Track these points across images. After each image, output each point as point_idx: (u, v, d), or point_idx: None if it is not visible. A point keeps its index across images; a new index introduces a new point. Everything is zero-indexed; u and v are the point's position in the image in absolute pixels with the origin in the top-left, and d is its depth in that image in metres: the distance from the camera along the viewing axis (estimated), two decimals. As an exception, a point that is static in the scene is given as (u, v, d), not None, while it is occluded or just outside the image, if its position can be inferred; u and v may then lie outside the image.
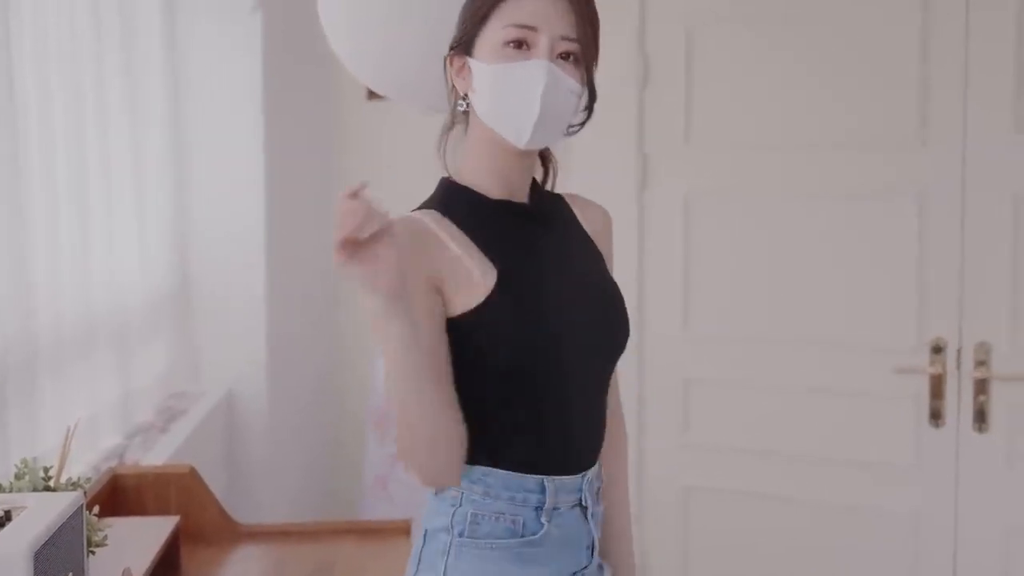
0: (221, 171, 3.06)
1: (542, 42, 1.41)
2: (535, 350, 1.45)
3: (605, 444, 1.59)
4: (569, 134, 1.54)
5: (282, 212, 3.17)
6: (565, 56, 1.43)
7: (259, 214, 3.05)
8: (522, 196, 1.53)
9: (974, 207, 2.74)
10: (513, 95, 1.42)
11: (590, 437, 1.54)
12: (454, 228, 1.46)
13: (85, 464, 2.33)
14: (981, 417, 2.75)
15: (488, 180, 1.50)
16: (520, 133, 1.43)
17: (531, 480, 1.45)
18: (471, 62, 1.46)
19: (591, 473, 1.53)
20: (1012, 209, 2.71)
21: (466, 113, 1.51)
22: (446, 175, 1.55)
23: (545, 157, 1.63)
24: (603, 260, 1.62)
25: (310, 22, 2.14)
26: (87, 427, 2.36)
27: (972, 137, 2.74)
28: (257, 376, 3.11)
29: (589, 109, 1.52)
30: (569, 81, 1.43)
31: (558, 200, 1.62)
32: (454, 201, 1.51)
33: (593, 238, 1.62)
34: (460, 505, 1.45)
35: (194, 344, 3.11)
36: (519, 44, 1.41)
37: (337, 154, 3.61)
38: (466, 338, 1.43)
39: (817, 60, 2.91)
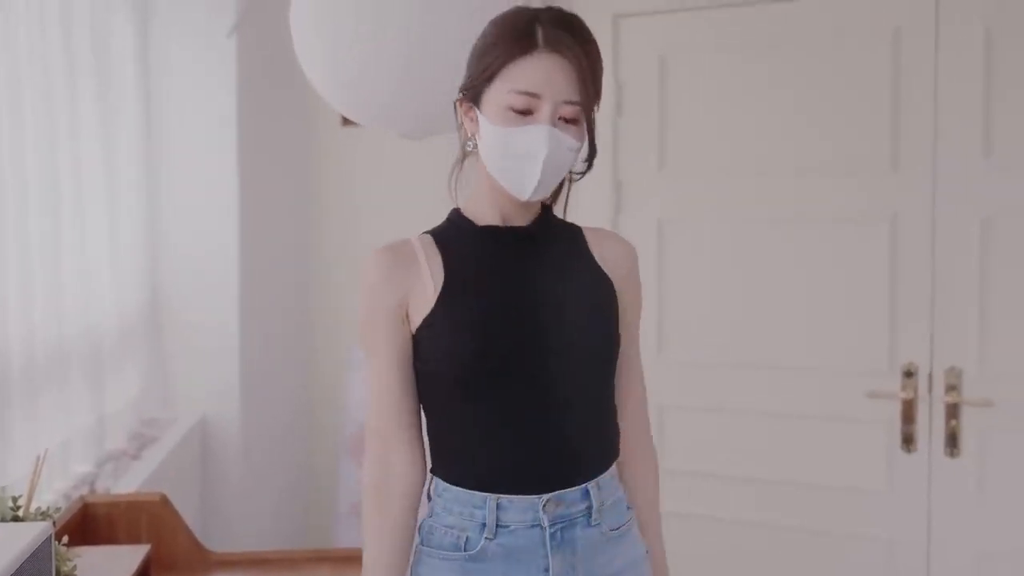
0: (194, 195, 3.06)
1: (544, 108, 1.46)
2: (467, 363, 1.50)
3: (626, 473, 1.68)
4: (571, 180, 1.62)
5: (256, 237, 3.16)
6: (566, 117, 1.48)
7: (232, 239, 3.05)
8: (520, 222, 1.58)
9: (944, 232, 2.77)
10: (516, 158, 1.48)
11: (551, 459, 1.53)
12: (433, 250, 1.56)
13: (55, 492, 2.31)
14: (952, 442, 2.77)
15: (484, 210, 1.58)
16: (523, 190, 1.50)
17: (478, 497, 1.51)
18: (478, 114, 1.52)
19: (559, 496, 1.52)
20: (981, 234, 2.74)
21: (476, 149, 1.57)
22: (456, 206, 1.63)
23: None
24: (603, 289, 1.62)
25: (285, 48, 2.15)
26: (58, 454, 2.34)
27: (942, 163, 2.77)
28: (230, 402, 3.09)
29: (589, 163, 1.59)
30: (569, 140, 1.48)
31: (568, 229, 1.66)
32: (447, 227, 1.61)
33: (609, 272, 1.63)
34: (428, 515, 1.57)
35: (167, 370, 3.09)
36: (523, 110, 1.46)
37: (311, 179, 3.61)
38: (418, 351, 1.55)
39: (789, 88, 2.94)
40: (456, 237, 1.59)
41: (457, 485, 1.53)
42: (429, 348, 1.53)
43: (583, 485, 1.55)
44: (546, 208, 1.64)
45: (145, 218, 2.96)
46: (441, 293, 1.53)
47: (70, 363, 2.44)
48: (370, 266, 1.55)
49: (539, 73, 1.46)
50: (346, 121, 3.36)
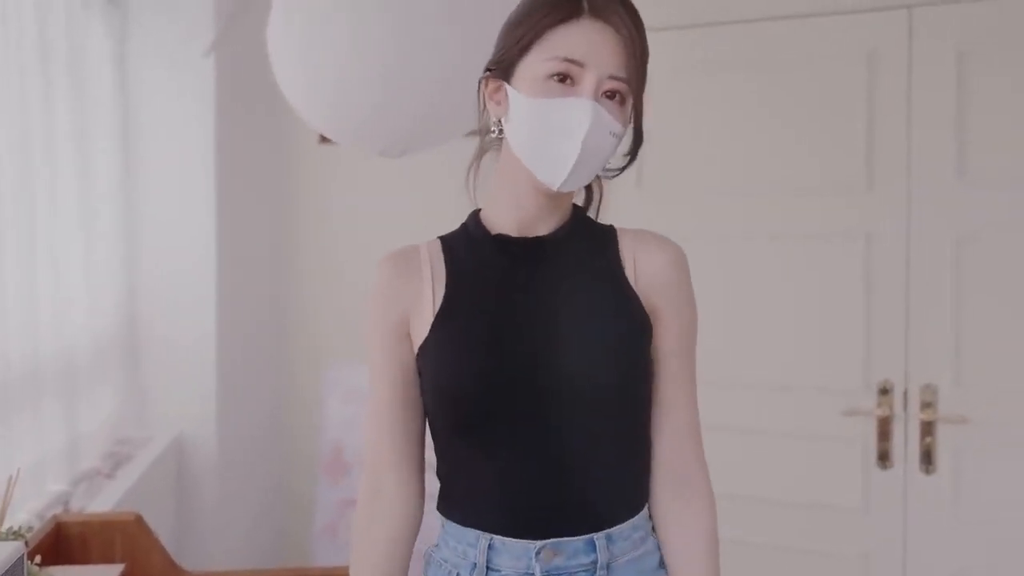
0: (171, 213, 3.05)
1: (588, 79, 1.30)
2: (452, 400, 1.38)
3: (661, 530, 1.46)
4: (606, 177, 1.46)
5: (233, 255, 3.16)
6: (611, 95, 1.32)
7: (209, 257, 3.04)
8: (542, 229, 1.42)
9: (918, 250, 2.80)
10: (552, 134, 1.31)
11: (547, 503, 1.37)
12: (440, 261, 1.44)
13: (29, 512, 2.29)
14: (928, 459, 2.79)
15: (503, 213, 1.42)
16: (555, 175, 1.33)
17: (471, 534, 1.39)
18: (509, 89, 1.36)
19: (557, 545, 1.36)
20: (955, 252, 2.76)
21: (499, 139, 1.41)
22: (477, 207, 1.48)
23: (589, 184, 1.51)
24: (626, 313, 1.41)
25: (262, 67, 2.15)
26: (32, 473, 2.32)
27: (916, 182, 2.79)
28: (206, 421, 3.08)
29: (633, 154, 1.42)
30: (612, 123, 1.32)
31: (599, 236, 1.47)
32: (460, 233, 1.47)
33: (642, 279, 1.43)
34: (435, 544, 1.47)
35: (142, 388, 3.07)
36: (563, 78, 1.31)
37: (288, 197, 3.60)
38: (420, 374, 1.43)
39: (765, 108, 2.96)
40: (466, 246, 1.44)
41: (450, 519, 1.42)
42: (423, 376, 1.42)
43: (588, 535, 1.37)
44: (577, 211, 1.48)
45: (121, 236, 2.95)
46: (437, 315, 1.40)
47: (45, 382, 2.42)
48: (375, 276, 1.44)
49: (584, 41, 1.30)
50: (323, 139, 3.36)
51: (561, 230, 1.43)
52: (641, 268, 1.44)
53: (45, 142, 2.43)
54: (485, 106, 1.42)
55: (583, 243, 1.44)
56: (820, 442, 2.91)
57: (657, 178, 3.08)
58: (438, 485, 1.45)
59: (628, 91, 1.33)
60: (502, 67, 1.37)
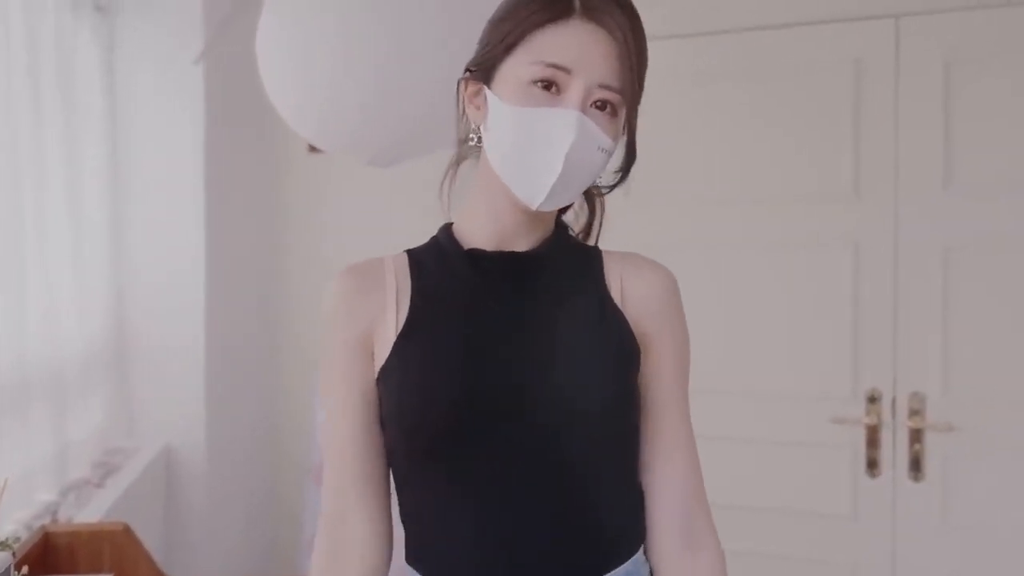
0: (160, 222, 3.04)
1: (575, 88, 1.17)
2: (410, 432, 1.23)
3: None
4: (595, 203, 1.37)
5: (221, 264, 3.15)
6: (600, 105, 1.19)
7: (198, 266, 3.03)
8: (521, 245, 1.29)
9: (906, 259, 2.81)
10: (533, 147, 1.18)
11: (509, 554, 1.22)
12: (406, 275, 1.30)
13: (16, 522, 2.28)
14: (916, 466, 2.80)
15: (479, 226, 1.29)
16: (534, 192, 1.20)
17: None
18: (488, 94, 1.23)
19: None
20: (942, 260, 2.77)
21: (478, 147, 1.29)
22: (449, 220, 1.35)
23: (591, 197, 1.40)
24: (612, 337, 1.28)
25: (251, 74, 2.15)
26: (20, 482, 2.31)
27: (903, 192, 2.81)
28: (195, 430, 3.07)
29: (624, 171, 1.30)
30: (601, 137, 1.19)
31: (582, 256, 1.35)
32: (430, 246, 1.34)
33: (630, 304, 1.30)
34: None
35: (131, 397, 3.06)
36: (548, 85, 1.18)
37: (277, 206, 3.60)
38: (381, 401, 1.28)
39: (753, 117, 2.97)
40: (436, 261, 1.30)
41: (413, 568, 1.29)
42: (383, 403, 1.27)
43: None
44: (560, 228, 1.34)
45: (110, 245, 2.94)
46: (400, 333, 1.25)
47: (33, 391, 2.41)
48: (330, 290, 1.30)
49: (573, 44, 1.17)
50: (312, 148, 3.36)
51: (541, 247, 1.30)
52: (629, 292, 1.31)
53: (33, 149, 2.42)
54: (464, 111, 1.30)
55: (565, 262, 1.32)
56: (809, 450, 2.92)
57: (645, 186, 3.07)
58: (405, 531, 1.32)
59: (620, 102, 1.20)
60: (483, 68, 1.25)
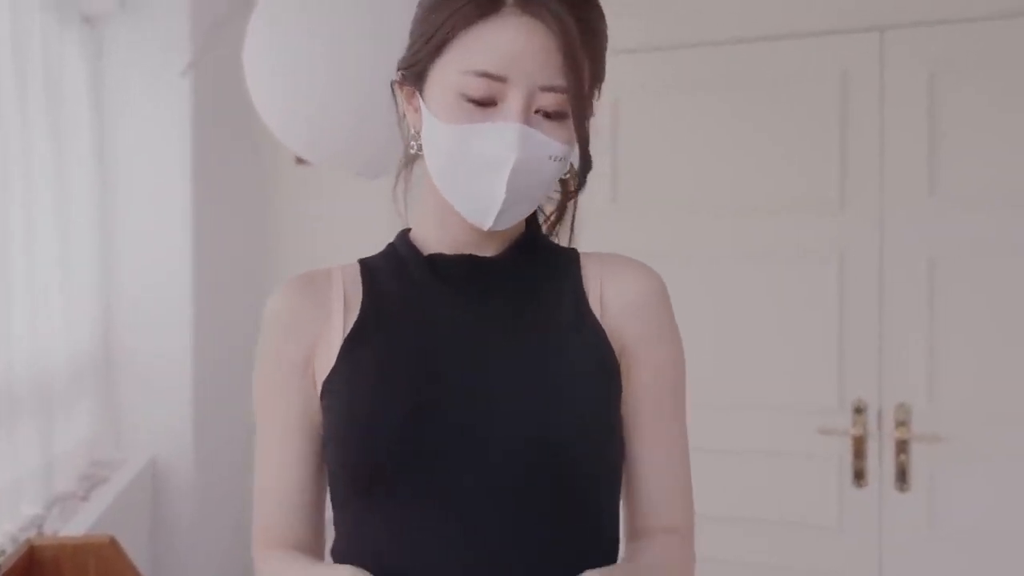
0: (148, 233, 3.04)
1: (513, 97, 1.02)
2: (353, 456, 1.08)
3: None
4: (576, 191, 1.18)
5: (209, 277, 3.14)
6: (548, 112, 1.04)
7: (186, 278, 3.03)
8: (485, 250, 1.15)
9: (891, 269, 2.82)
10: (471, 169, 1.04)
11: None
12: (357, 286, 1.16)
13: (2, 534, 2.27)
14: (902, 477, 2.80)
15: (435, 233, 1.16)
16: (482, 215, 1.07)
17: None
18: (421, 104, 1.10)
19: None
20: (927, 270, 2.79)
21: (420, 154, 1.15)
22: (407, 227, 1.22)
23: (564, 185, 1.19)
24: (588, 350, 1.12)
25: (239, 86, 2.15)
26: (6, 495, 2.31)
27: (888, 202, 2.82)
28: (183, 442, 3.06)
29: (581, 179, 1.13)
30: (551, 145, 1.04)
31: (558, 259, 1.19)
32: (387, 254, 1.20)
33: (611, 312, 1.14)
34: None
35: (118, 409, 3.05)
36: (481, 101, 1.03)
37: (265, 218, 3.59)
38: (326, 420, 1.13)
39: (739, 128, 2.99)
40: (391, 268, 1.17)
41: None
42: (325, 421, 1.12)
43: None
44: (531, 228, 1.19)
45: (97, 256, 2.94)
46: (346, 340, 1.11)
47: (19, 402, 2.41)
48: (272, 302, 1.16)
49: (504, 45, 1.01)
50: (300, 160, 3.36)
51: (510, 250, 1.15)
52: (610, 299, 1.15)
53: (21, 159, 2.42)
54: (404, 112, 1.16)
55: (536, 266, 1.16)
56: (795, 461, 2.93)
57: (632, 196, 3.10)
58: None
59: (568, 105, 1.04)
60: (414, 71, 1.09)
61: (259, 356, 1.16)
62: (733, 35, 2.98)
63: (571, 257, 1.20)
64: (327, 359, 1.12)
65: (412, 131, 1.14)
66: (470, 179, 1.05)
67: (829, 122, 2.88)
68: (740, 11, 2.96)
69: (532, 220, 1.20)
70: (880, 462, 2.84)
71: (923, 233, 2.80)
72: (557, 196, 1.20)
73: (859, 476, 2.85)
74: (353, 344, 1.11)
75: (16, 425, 2.39)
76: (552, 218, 1.23)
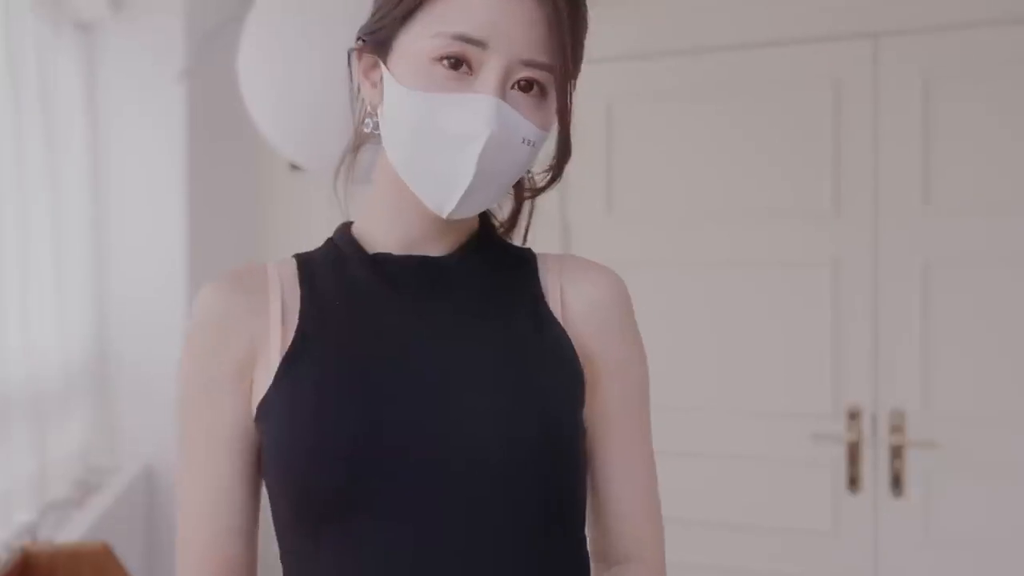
0: (142, 240, 3.03)
1: (492, 66, 0.92)
2: (301, 483, 0.96)
3: None
4: (523, 196, 1.10)
5: (204, 282, 3.13)
6: (525, 86, 0.94)
7: (180, 285, 3.02)
8: (435, 249, 1.05)
9: (886, 275, 2.83)
10: (439, 143, 0.94)
11: None
12: (295, 286, 1.04)
13: (-5, 542, 2.27)
14: (897, 483, 2.81)
15: (383, 228, 1.06)
16: (443, 198, 0.96)
17: None
18: (383, 70, 0.99)
19: None
20: (921, 277, 2.79)
21: (376, 133, 1.04)
22: (348, 220, 1.12)
23: (519, 191, 1.12)
24: (550, 356, 1.03)
25: (233, 93, 2.15)
26: (-1, 503, 2.30)
27: (883, 208, 2.83)
28: (176, 449, 3.05)
29: (557, 170, 1.03)
30: (526, 127, 0.94)
31: (513, 261, 1.09)
32: (326, 251, 1.09)
33: (572, 317, 1.06)
34: None
35: (112, 416, 3.05)
36: (456, 63, 0.93)
37: (259, 225, 3.60)
38: (262, 451, 1.02)
39: (733, 135, 2.99)
40: (331, 268, 1.05)
41: None
42: (264, 446, 1.00)
43: None
44: (485, 228, 1.10)
45: (91, 263, 2.94)
46: (285, 357, 0.99)
47: (13, 410, 2.40)
48: (200, 304, 1.05)
49: (488, 9, 0.91)
50: (294, 167, 3.36)
51: (462, 249, 1.06)
52: (570, 303, 1.06)
53: (14, 168, 2.42)
54: (358, 86, 1.05)
55: (491, 267, 1.07)
56: (790, 467, 2.93)
57: (627, 204, 3.10)
58: None
59: (550, 81, 0.95)
60: (377, 38, 0.99)
61: (188, 359, 1.04)
62: (727, 42, 2.99)
63: (526, 257, 1.10)
64: (264, 373, 1.00)
65: (368, 107, 1.03)
66: (435, 155, 0.94)
67: (823, 129, 2.89)
68: (733, 18, 2.97)
69: (485, 218, 1.11)
70: (875, 468, 2.84)
71: (917, 240, 2.80)
72: (510, 200, 1.12)
73: (854, 482, 2.85)
74: (293, 360, 0.99)
75: (10, 432, 2.39)
76: (510, 215, 1.13)
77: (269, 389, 0.98)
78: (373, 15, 1.00)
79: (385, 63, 0.98)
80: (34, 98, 2.56)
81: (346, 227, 1.10)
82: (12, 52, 2.42)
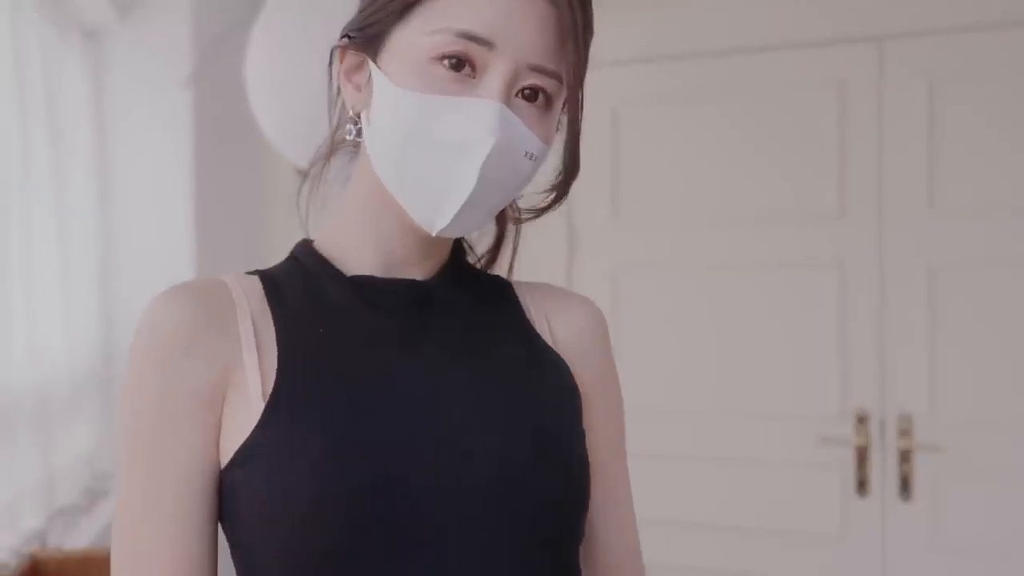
0: (149, 246, 3.04)
1: (498, 69, 0.84)
2: (313, 525, 0.83)
3: None
4: (518, 219, 1.03)
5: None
6: (530, 95, 0.86)
7: (187, 290, 3.02)
8: (413, 272, 0.96)
9: (892, 278, 2.82)
10: (435, 151, 0.85)
11: None
12: (264, 310, 0.92)
13: (3, 549, 2.27)
14: (905, 486, 2.80)
15: (355, 248, 0.96)
16: (434, 214, 0.87)
17: None
18: (374, 71, 0.89)
19: None
20: (928, 279, 2.79)
21: (357, 141, 0.96)
22: (308, 237, 1.02)
23: (503, 216, 1.05)
24: (553, 385, 0.98)
25: (241, 97, 2.15)
26: (7, 509, 2.30)
27: (888, 211, 2.82)
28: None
29: (562, 188, 0.95)
30: (530, 139, 0.86)
31: (491, 288, 1.03)
32: (289, 270, 0.98)
33: (560, 348, 1.01)
34: None
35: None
36: (459, 64, 0.84)
37: (266, 230, 3.60)
38: (225, 501, 0.89)
39: (738, 138, 2.99)
40: (301, 290, 0.94)
41: None
42: (242, 498, 0.86)
43: None
44: (457, 252, 1.01)
45: (98, 268, 2.94)
46: (270, 399, 0.86)
47: (20, 416, 2.40)
48: (156, 316, 0.92)
49: (495, 8, 0.83)
50: (301, 172, 3.36)
51: (440, 274, 0.97)
52: (558, 333, 1.01)
53: (21, 174, 2.42)
54: (339, 88, 0.96)
55: (475, 294, 0.99)
56: (798, 470, 2.92)
57: (632, 207, 3.10)
58: None
59: (558, 90, 0.87)
60: (367, 35, 0.90)
61: (142, 382, 0.88)
62: (732, 45, 2.99)
63: (502, 284, 1.04)
64: (241, 409, 0.87)
65: (350, 112, 0.94)
66: (430, 163, 0.85)
67: (827, 132, 2.89)
68: (739, 21, 2.97)
69: (457, 243, 1.02)
70: (883, 472, 2.84)
71: (922, 243, 2.80)
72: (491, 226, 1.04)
73: (862, 485, 2.84)
74: (279, 398, 0.86)
75: (17, 438, 2.39)
76: (491, 244, 1.06)
77: (254, 431, 0.85)
78: (362, 10, 0.92)
79: (376, 61, 0.89)
80: (41, 105, 2.56)
81: (306, 245, 1.00)
82: (19, 59, 2.42)
